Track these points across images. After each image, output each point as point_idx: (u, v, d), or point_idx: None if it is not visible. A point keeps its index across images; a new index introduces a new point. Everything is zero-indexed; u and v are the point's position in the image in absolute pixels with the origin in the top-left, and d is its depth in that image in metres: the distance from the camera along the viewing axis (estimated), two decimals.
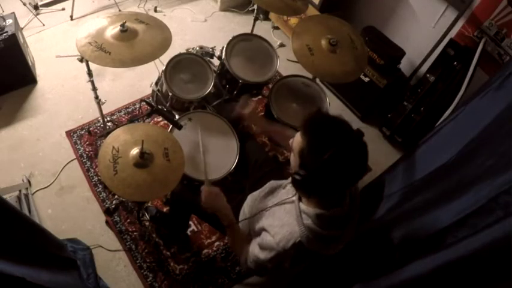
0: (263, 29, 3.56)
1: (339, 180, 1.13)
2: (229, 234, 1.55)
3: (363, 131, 1.13)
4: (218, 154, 1.92)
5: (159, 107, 2.13)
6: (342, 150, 1.06)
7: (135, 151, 1.58)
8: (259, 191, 1.62)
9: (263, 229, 1.33)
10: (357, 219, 1.30)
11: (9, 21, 2.45)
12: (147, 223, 2.24)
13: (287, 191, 1.42)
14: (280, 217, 1.30)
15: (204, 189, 1.54)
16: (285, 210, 1.30)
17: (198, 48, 2.37)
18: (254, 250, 1.34)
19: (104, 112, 2.40)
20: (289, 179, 1.46)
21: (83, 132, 2.58)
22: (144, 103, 1.83)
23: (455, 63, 2.45)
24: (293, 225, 1.22)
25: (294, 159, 1.19)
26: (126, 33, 1.83)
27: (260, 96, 2.42)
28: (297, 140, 1.16)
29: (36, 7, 3.11)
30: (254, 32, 2.45)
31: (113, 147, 1.57)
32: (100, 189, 2.36)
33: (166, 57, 2.05)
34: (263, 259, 1.29)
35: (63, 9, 3.24)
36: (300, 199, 1.29)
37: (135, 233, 2.22)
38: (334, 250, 1.24)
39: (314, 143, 1.10)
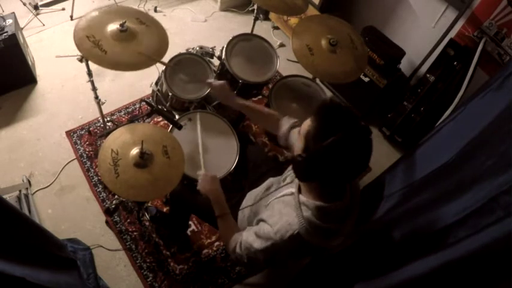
0: (263, 29, 3.56)
1: (337, 170, 1.13)
2: (220, 224, 1.51)
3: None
4: (218, 154, 1.93)
5: (159, 107, 2.13)
6: (344, 140, 1.06)
7: (134, 151, 1.57)
8: (258, 189, 1.62)
9: (261, 220, 1.32)
10: (357, 215, 1.29)
11: (9, 21, 2.45)
12: (147, 223, 2.24)
13: (287, 185, 1.42)
14: (279, 209, 1.29)
15: (201, 173, 1.59)
16: (284, 203, 1.29)
17: (198, 48, 2.37)
18: (249, 238, 1.32)
19: (104, 112, 2.40)
20: (289, 171, 1.46)
21: (83, 132, 2.58)
22: (144, 103, 1.82)
23: (455, 63, 2.45)
24: (292, 216, 1.21)
25: (299, 141, 1.19)
26: (125, 34, 1.80)
27: (260, 96, 2.42)
28: (307, 122, 1.17)
29: (36, 7, 3.12)
30: (254, 32, 2.45)
31: (112, 150, 1.56)
32: (100, 189, 2.36)
33: (166, 57, 2.04)
34: (256, 248, 1.27)
35: (63, 9, 3.24)
36: (299, 191, 1.28)
37: (135, 233, 2.22)
38: (333, 243, 1.23)
39: (319, 128, 1.10)
